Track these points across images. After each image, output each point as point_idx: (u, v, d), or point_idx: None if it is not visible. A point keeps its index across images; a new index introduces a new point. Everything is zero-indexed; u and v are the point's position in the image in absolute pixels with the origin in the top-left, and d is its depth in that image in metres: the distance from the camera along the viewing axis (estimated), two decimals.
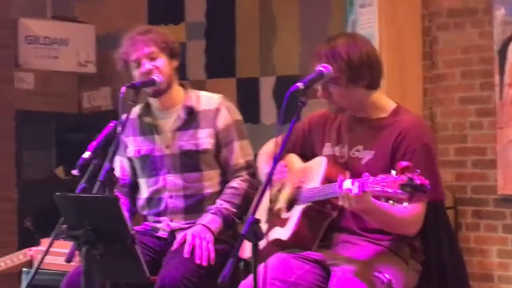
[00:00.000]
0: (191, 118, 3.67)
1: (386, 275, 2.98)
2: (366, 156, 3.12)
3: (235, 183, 3.65)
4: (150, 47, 3.61)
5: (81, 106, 6.43)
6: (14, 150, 5.92)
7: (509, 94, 4.73)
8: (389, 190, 2.69)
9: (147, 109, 3.74)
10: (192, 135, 3.66)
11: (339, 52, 3.09)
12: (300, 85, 2.98)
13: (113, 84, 6.33)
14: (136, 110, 3.76)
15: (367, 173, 2.83)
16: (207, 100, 3.71)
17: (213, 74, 5.99)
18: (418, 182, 2.66)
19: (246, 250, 3.06)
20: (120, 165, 3.78)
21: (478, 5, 4.89)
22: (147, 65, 3.60)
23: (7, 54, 5.91)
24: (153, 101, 3.72)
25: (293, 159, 3.31)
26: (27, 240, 5.55)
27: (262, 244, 2.78)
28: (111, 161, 3.21)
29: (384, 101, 3.21)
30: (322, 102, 3.24)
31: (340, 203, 2.93)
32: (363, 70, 3.10)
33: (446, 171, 4.95)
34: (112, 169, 3.22)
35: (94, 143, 3.30)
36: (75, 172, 3.26)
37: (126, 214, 3.59)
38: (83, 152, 3.27)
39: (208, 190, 3.67)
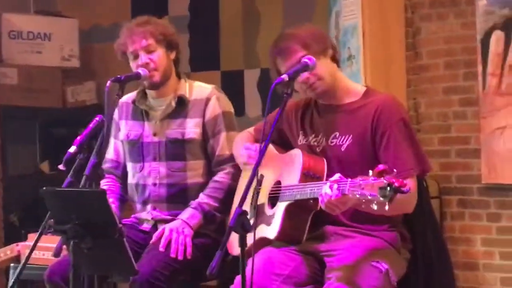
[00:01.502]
0: (181, 107, 3.67)
1: (384, 265, 2.99)
2: (345, 142, 3.13)
3: (218, 177, 3.65)
4: (148, 39, 3.60)
5: (65, 101, 6.40)
6: None
7: (492, 83, 4.74)
8: (368, 195, 2.67)
9: (143, 95, 3.75)
10: (180, 124, 3.66)
11: (294, 34, 3.14)
12: (285, 77, 2.99)
13: (97, 78, 6.32)
14: (131, 95, 3.78)
15: (342, 176, 2.82)
16: (198, 90, 3.71)
17: (198, 67, 5.97)
18: (396, 184, 2.63)
19: (235, 247, 3.06)
20: (114, 147, 3.82)
21: None
22: (143, 58, 3.59)
23: None
24: (148, 90, 3.73)
25: (269, 149, 3.30)
26: (13, 235, 5.55)
27: (249, 242, 2.75)
28: (97, 155, 3.20)
29: (354, 84, 3.25)
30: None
31: (324, 208, 2.90)
32: (322, 39, 3.16)
33: (430, 161, 4.91)
34: (98, 164, 3.22)
35: (79, 138, 3.30)
36: (61, 167, 3.27)
37: (114, 207, 3.64)
38: (68, 147, 3.28)
39: (191, 180, 3.67)
